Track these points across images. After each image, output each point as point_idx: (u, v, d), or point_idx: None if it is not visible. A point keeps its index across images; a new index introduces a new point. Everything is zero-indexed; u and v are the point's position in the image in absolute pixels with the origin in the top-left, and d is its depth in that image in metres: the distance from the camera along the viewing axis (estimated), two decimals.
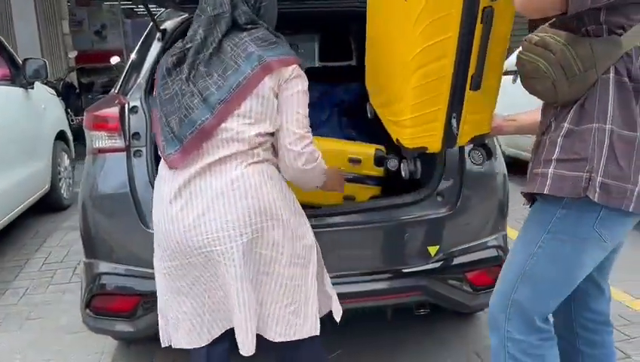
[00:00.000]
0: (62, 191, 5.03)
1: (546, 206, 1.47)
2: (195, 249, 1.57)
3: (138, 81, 2.32)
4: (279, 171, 1.67)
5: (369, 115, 2.16)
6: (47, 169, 4.69)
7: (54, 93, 5.42)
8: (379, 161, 2.34)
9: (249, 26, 1.60)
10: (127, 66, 2.47)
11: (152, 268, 2.08)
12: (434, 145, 1.65)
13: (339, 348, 2.46)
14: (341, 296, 1.96)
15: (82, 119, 7.25)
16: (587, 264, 1.49)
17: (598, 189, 1.34)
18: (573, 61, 1.34)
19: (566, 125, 1.38)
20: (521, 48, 1.45)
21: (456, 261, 2.16)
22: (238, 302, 1.57)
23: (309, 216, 2.16)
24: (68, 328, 2.86)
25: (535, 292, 1.52)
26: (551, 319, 1.59)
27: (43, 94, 4.82)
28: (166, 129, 1.59)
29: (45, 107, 4.78)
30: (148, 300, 2.13)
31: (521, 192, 1.55)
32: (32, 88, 4.54)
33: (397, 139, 1.75)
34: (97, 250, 2.18)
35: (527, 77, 1.44)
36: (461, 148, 2.23)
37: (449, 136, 1.62)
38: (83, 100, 8.09)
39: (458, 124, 1.60)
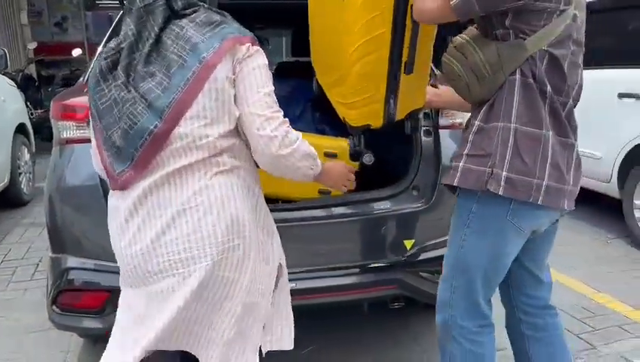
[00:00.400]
0: (22, 186, 4.86)
1: (462, 201, 1.61)
2: (155, 274, 1.38)
3: None
4: (253, 179, 1.50)
5: (314, 90, 2.26)
6: (6, 163, 4.51)
7: (14, 84, 5.22)
8: (354, 155, 2.34)
9: (188, 11, 1.41)
10: (95, 57, 2.39)
11: None
12: (376, 122, 1.85)
13: (311, 343, 2.45)
14: (317, 291, 1.96)
15: (42, 112, 7.04)
16: (510, 252, 1.60)
17: (503, 183, 1.45)
18: (482, 65, 1.47)
19: (477, 123, 1.52)
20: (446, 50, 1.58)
21: (431, 254, 2.17)
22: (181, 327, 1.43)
23: (282, 210, 2.15)
24: (31, 327, 2.76)
25: (469, 281, 1.63)
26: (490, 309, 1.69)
27: (2, 85, 4.65)
28: (109, 143, 1.38)
29: (4, 99, 4.60)
30: (118, 296, 2.08)
31: (442, 183, 1.69)
32: None
33: (343, 118, 1.92)
34: (65, 245, 2.10)
35: (448, 78, 1.60)
36: (437, 143, 2.25)
37: (388, 114, 1.81)
38: (43, 93, 7.83)
39: (395, 103, 1.78)
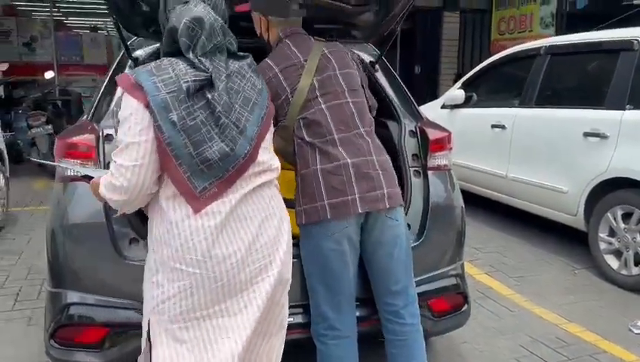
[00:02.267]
0: None
1: None
2: (246, 282, 1.56)
3: (111, 108, 2.32)
4: None
5: None
6: None
7: None
8: None
9: (240, 53, 1.65)
10: (98, 94, 2.45)
11: (124, 298, 2.09)
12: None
13: None
14: (305, 325, 2.07)
15: (11, 135, 6.87)
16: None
17: (303, 215, 1.99)
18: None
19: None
20: None
21: (420, 289, 2.27)
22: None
23: None
24: (17, 360, 2.73)
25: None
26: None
27: None
28: (194, 160, 1.47)
29: None
30: (117, 331, 2.11)
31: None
32: None
33: None
34: (66, 279, 2.12)
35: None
36: (425, 180, 2.39)
37: None
38: (12, 115, 7.70)
39: None
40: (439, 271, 2.39)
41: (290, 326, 2.15)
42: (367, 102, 2.15)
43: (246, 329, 1.57)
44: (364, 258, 2.10)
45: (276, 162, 1.71)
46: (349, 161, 1.96)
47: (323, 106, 2.01)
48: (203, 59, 1.52)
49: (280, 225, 1.66)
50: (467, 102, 5.49)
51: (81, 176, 1.84)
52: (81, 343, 2.12)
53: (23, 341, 2.91)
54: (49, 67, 10.44)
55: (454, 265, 2.44)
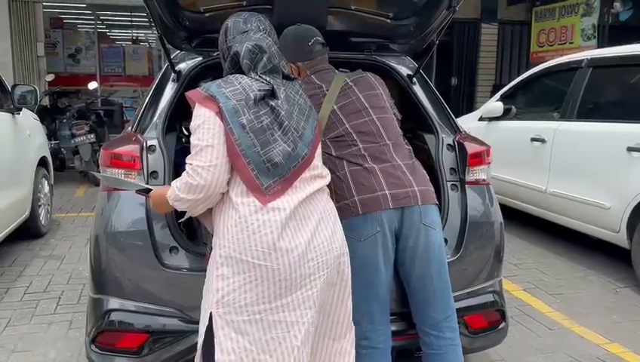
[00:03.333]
0: (40, 219, 4.94)
1: None
2: (307, 277, 1.65)
3: (154, 120, 2.39)
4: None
5: None
6: (29, 196, 4.61)
7: (37, 118, 5.36)
8: None
9: (291, 76, 1.85)
10: (142, 105, 2.52)
11: (163, 306, 2.13)
12: None
13: None
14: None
15: (56, 143, 7.10)
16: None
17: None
18: None
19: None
20: None
21: (457, 305, 2.24)
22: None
23: None
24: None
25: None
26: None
27: (29, 120, 4.78)
28: (261, 159, 1.63)
29: (30, 133, 4.74)
30: (156, 338, 2.16)
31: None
32: (19, 114, 4.50)
33: None
34: (107, 286, 2.18)
35: None
36: (463, 195, 2.37)
37: None
38: (57, 124, 7.97)
39: None
40: (476, 288, 2.36)
41: None
42: (395, 117, 2.24)
43: (305, 324, 1.66)
44: (401, 269, 2.10)
45: (327, 171, 1.86)
46: (375, 166, 2.05)
47: (347, 125, 2.12)
48: (264, 76, 1.73)
49: (334, 228, 1.76)
50: (505, 115, 5.42)
51: (136, 191, 1.98)
52: (121, 349, 2.17)
53: (64, 344, 2.99)
54: (92, 78, 10.77)
55: (492, 281, 2.41)
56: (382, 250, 2.01)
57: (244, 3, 2.39)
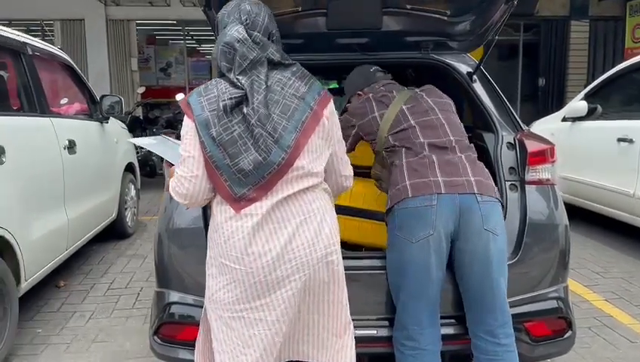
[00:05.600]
0: (127, 220, 5.29)
1: None
2: (284, 279, 1.64)
3: None
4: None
5: None
6: (116, 198, 4.96)
7: (125, 127, 5.74)
8: None
9: (285, 62, 1.71)
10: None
11: None
12: None
13: None
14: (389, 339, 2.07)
15: (146, 151, 7.57)
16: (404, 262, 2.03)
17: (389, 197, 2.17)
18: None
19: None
20: None
21: (516, 310, 2.15)
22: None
23: (355, 258, 2.27)
24: (131, 353, 3.00)
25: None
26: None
27: (116, 128, 5.14)
28: (232, 170, 1.61)
29: (117, 140, 5.09)
30: None
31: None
32: (107, 122, 4.85)
33: None
34: (169, 280, 2.29)
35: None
36: (523, 195, 2.27)
37: None
38: (148, 133, 8.49)
39: None
40: (538, 293, 2.23)
41: (375, 339, 2.16)
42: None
43: (286, 322, 1.69)
44: (457, 271, 2.05)
45: (319, 168, 1.71)
46: (433, 156, 2.09)
47: (411, 121, 2.20)
48: (240, 77, 1.63)
49: (319, 228, 1.68)
50: (590, 115, 5.10)
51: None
52: (181, 340, 2.26)
53: (139, 336, 3.18)
54: (182, 90, 11.38)
55: (555, 287, 2.27)
56: (434, 253, 1.97)
57: (300, 8, 2.44)
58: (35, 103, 3.50)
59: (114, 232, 5.15)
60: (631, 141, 4.46)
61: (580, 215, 5.27)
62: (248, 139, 1.60)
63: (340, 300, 1.80)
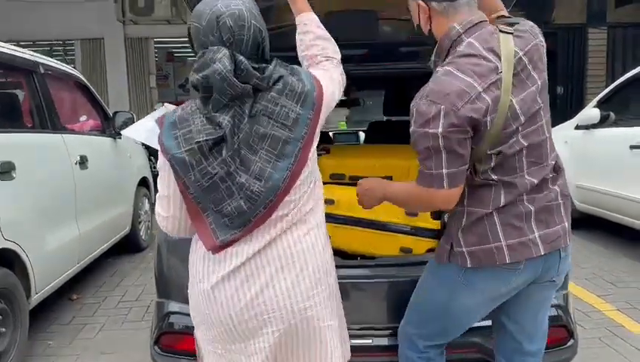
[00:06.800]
0: (141, 234, 5.37)
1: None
2: (254, 332, 1.49)
3: None
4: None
5: None
6: (129, 212, 5.04)
7: (139, 142, 5.85)
8: (436, 213, 2.39)
9: (271, 85, 1.43)
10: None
11: None
12: None
13: None
14: (394, 348, 2.02)
15: None
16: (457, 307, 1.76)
17: (467, 257, 1.64)
18: None
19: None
20: None
21: None
22: None
23: (363, 266, 2.24)
24: None
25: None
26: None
27: (129, 144, 5.24)
28: (216, 216, 1.44)
29: (130, 155, 5.19)
30: None
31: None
32: (120, 138, 4.95)
33: None
34: (169, 291, 2.33)
35: None
36: None
37: None
38: None
39: None
40: None
41: (376, 349, 2.15)
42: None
43: None
44: (502, 316, 1.84)
45: (307, 202, 1.51)
46: (534, 198, 1.59)
47: (520, 134, 1.53)
48: (218, 114, 1.39)
49: (297, 280, 1.48)
50: (603, 122, 5.04)
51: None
52: (181, 350, 2.28)
53: (147, 348, 3.19)
54: None
55: (554, 294, 2.23)
56: (489, 301, 1.74)
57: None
58: (47, 120, 3.60)
59: (128, 246, 5.23)
60: None
61: (595, 223, 5.18)
62: (232, 183, 1.40)
63: (316, 349, 1.57)
